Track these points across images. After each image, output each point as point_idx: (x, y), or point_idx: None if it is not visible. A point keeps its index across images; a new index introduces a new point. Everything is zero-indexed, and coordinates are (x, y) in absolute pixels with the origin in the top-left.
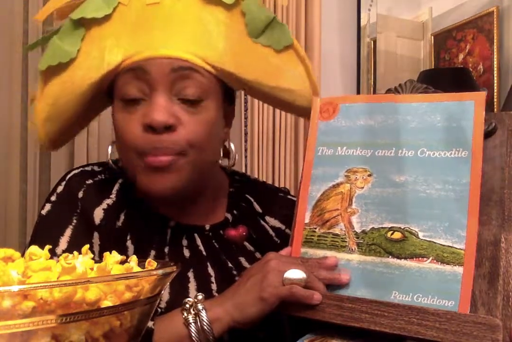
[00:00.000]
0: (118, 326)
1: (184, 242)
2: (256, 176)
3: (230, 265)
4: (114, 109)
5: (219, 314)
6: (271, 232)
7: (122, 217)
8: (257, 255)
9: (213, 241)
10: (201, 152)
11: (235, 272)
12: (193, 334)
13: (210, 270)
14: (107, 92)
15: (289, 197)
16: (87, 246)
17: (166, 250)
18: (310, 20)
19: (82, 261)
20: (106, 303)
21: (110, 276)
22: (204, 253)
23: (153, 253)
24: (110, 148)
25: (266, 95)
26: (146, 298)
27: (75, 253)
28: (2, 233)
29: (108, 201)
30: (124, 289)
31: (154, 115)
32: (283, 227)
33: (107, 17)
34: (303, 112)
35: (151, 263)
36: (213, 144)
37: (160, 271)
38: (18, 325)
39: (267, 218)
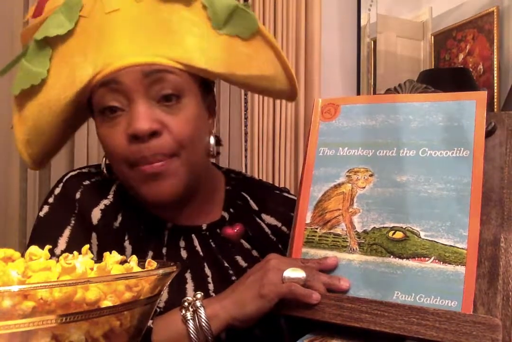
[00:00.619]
0: (118, 326)
1: (182, 243)
2: (256, 176)
3: (226, 264)
4: (97, 125)
5: (217, 311)
6: (267, 229)
7: (119, 218)
8: (254, 252)
9: (210, 240)
10: (192, 151)
11: (231, 272)
12: (191, 331)
13: (207, 270)
14: (87, 106)
15: (285, 194)
16: (87, 246)
17: (163, 251)
18: (310, 20)
19: (82, 261)
20: (106, 303)
21: (110, 276)
22: (201, 253)
23: (151, 253)
24: (104, 160)
25: (244, 84)
26: (146, 298)
27: (75, 253)
28: (2, 233)
29: (105, 202)
30: (124, 289)
31: (137, 124)
32: (279, 224)
33: (70, 33)
34: (285, 95)
35: (151, 263)
36: (201, 139)
37: (160, 271)
38: (18, 325)
39: (263, 216)
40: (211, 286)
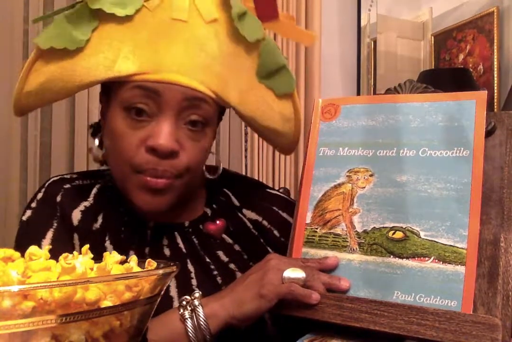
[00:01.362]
0: (118, 326)
1: (165, 241)
2: (256, 176)
3: (207, 259)
4: (115, 117)
5: (216, 309)
6: (248, 224)
7: (100, 219)
8: (236, 247)
9: (193, 236)
10: (194, 174)
11: (212, 267)
12: (189, 330)
13: (190, 266)
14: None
15: (267, 190)
16: (87, 246)
17: (146, 250)
18: (310, 21)
19: (82, 261)
20: (106, 303)
21: (110, 276)
22: (184, 250)
23: (132, 253)
24: (97, 140)
25: (254, 128)
26: (146, 298)
27: (75, 253)
28: (2, 233)
29: (86, 203)
30: (124, 289)
31: (160, 140)
32: (259, 219)
33: (128, 18)
34: (283, 149)
35: (151, 263)
36: (204, 163)
37: (160, 271)
38: (18, 325)
39: (244, 211)
40: (194, 281)
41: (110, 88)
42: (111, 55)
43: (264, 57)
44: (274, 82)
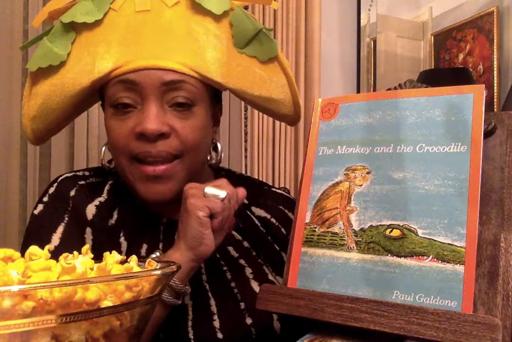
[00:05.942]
0: (118, 326)
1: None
2: (256, 176)
3: (217, 255)
4: (106, 115)
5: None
6: (256, 221)
7: (115, 215)
8: (245, 243)
9: None
10: (195, 156)
11: (223, 262)
12: None
13: None
14: (98, 93)
15: (273, 189)
16: (87, 246)
17: (160, 246)
18: (310, 20)
19: (82, 261)
20: (106, 303)
21: (110, 276)
22: None
23: (145, 246)
24: (104, 149)
25: (251, 102)
26: (146, 298)
27: (75, 253)
28: (2, 233)
29: (100, 199)
30: (124, 289)
31: (147, 124)
32: (268, 216)
33: (98, 23)
34: (287, 119)
35: (151, 263)
36: (205, 146)
37: (160, 271)
38: (18, 325)
39: (253, 208)
40: (204, 277)
41: (103, 95)
42: (89, 60)
43: (237, 26)
44: (255, 49)
